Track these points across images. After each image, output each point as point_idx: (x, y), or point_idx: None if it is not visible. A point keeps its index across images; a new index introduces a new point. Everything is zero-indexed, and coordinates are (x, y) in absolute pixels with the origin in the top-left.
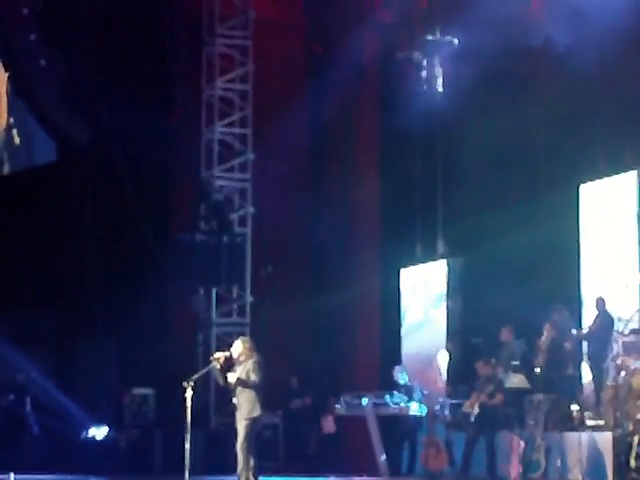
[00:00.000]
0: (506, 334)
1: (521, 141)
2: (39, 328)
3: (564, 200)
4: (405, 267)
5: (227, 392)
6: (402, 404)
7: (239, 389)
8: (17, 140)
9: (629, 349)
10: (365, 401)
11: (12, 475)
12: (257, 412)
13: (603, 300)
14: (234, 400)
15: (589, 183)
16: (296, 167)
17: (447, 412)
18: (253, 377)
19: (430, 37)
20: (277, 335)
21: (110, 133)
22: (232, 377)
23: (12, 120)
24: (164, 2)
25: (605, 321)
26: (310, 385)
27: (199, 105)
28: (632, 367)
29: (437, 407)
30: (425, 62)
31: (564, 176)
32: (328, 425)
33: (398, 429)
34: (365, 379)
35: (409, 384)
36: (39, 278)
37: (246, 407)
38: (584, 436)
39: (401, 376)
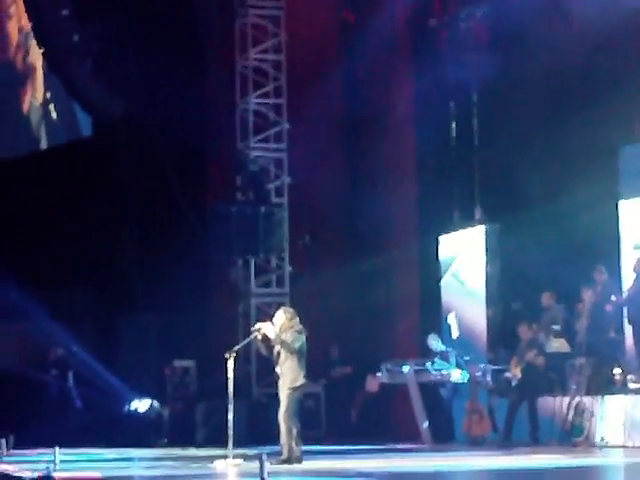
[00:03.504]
0: (547, 299)
1: (558, 105)
2: (80, 303)
3: (603, 163)
4: (443, 234)
5: (269, 362)
6: (444, 371)
7: (282, 358)
8: (54, 115)
9: None
10: (406, 368)
11: (57, 449)
12: (300, 381)
13: None
14: (277, 369)
15: (628, 146)
16: (331, 136)
17: (489, 378)
18: (291, 340)
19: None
20: (316, 305)
21: (145, 106)
22: (271, 332)
23: (49, 95)
24: None
25: None
26: (350, 354)
27: (233, 76)
28: None
29: (479, 373)
30: (458, 28)
31: (602, 139)
32: (372, 384)
33: (433, 395)
34: (405, 346)
35: (444, 351)
36: (78, 253)
37: (289, 376)
38: (627, 399)
39: (435, 344)
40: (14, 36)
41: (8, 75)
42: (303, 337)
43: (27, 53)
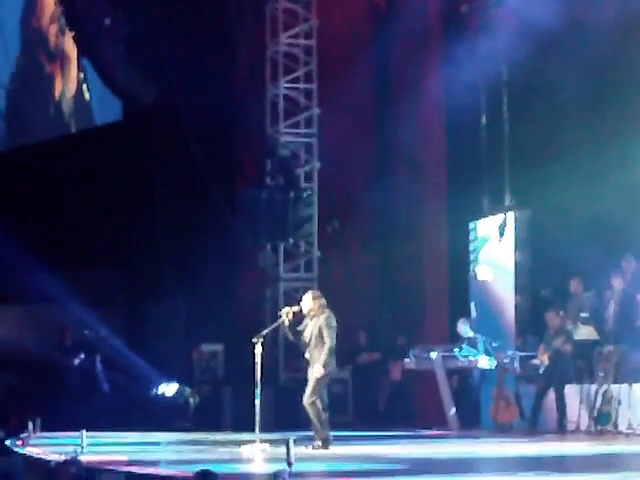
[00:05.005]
0: (575, 286)
1: (588, 89)
2: (108, 287)
3: (634, 149)
4: (473, 220)
5: (296, 347)
6: (471, 357)
7: (312, 344)
8: (87, 96)
9: None
10: (434, 354)
11: (84, 432)
12: (329, 368)
13: None
14: (306, 355)
15: None
16: (361, 121)
17: (516, 364)
18: (326, 335)
19: None
20: (344, 290)
21: (175, 91)
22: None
23: (82, 75)
24: None
25: None
26: (378, 340)
27: (263, 61)
28: None
29: (506, 360)
30: (489, 14)
31: (634, 124)
32: (396, 372)
33: (460, 382)
34: (434, 333)
35: (473, 337)
36: (107, 237)
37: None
38: None
39: (465, 329)
40: (49, 6)
41: (41, 49)
42: (334, 327)
43: (61, 31)
